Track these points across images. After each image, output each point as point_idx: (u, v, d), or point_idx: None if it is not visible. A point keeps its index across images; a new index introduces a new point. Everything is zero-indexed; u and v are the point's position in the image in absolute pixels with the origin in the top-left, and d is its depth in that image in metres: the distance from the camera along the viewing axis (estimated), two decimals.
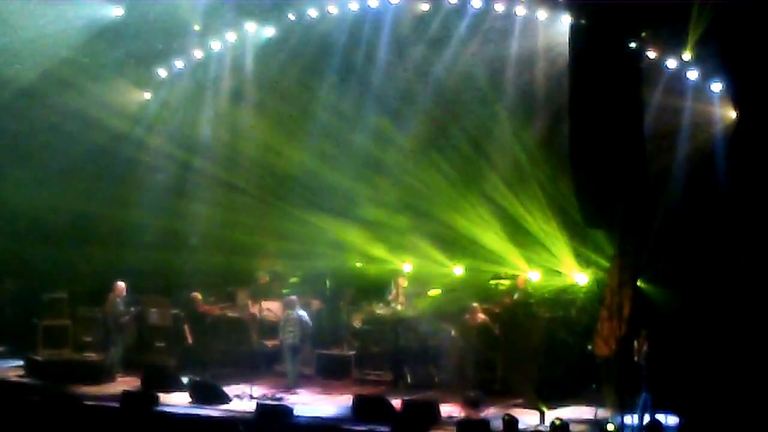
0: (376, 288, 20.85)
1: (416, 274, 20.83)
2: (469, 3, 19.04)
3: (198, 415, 16.53)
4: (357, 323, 20.10)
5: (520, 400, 17.16)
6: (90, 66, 21.35)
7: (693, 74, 17.16)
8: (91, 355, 20.44)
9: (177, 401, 17.26)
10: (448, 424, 15.65)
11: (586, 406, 16.38)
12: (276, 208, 22.07)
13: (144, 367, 19.05)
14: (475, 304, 18.35)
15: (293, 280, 21.31)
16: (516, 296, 18.57)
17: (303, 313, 18.93)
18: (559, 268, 19.12)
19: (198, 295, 19.67)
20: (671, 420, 15.21)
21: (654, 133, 16.12)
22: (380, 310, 20.09)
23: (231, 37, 21.43)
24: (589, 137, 14.92)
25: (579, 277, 18.78)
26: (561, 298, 18.90)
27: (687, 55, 17.07)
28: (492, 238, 19.87)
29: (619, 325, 15.48)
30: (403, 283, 20.42)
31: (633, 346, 15.63)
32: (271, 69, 21.57)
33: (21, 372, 19.48)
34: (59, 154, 22.03)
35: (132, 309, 19.65)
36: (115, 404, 16.74)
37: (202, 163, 22.42)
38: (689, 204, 16.73)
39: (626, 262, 15.58)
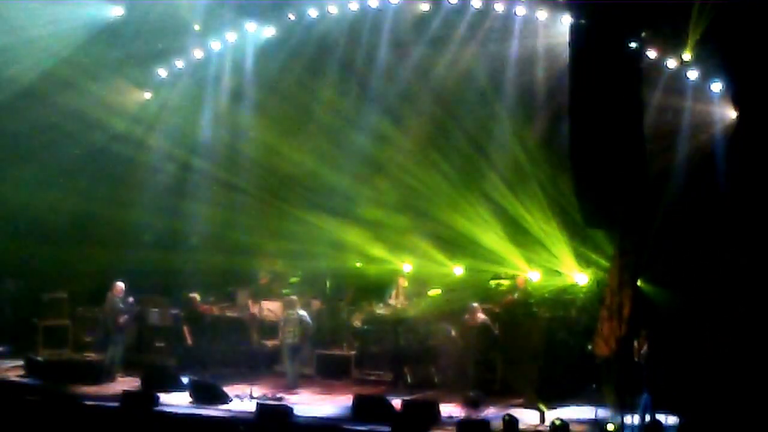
0: (376, 288, 20.86)
1: (416, 274, 20.84)
2: (469, 3, 19.04)
3: (198, 415, 16.53)
4: (357, 323, 20.10)
5: (520, 400, 17.17)
6: (90, 66, 21.34)
7: (693, 74, 17.18)
8: (91, 355, 20.42)
9: (177, 401, 17.25)
10: (448, 424, 15.65)
11: (586, 406, 16.37)
12: (276, 208, 22.08)
13: (144, 367, 19.06)
14: (475, 304, 18.35)
15: (293, 280, 21.34)
16: (516, 296, 18.56)
17: (303, 313, 18.94)
18: (559, 268, 19.13)
19: (196, 296, 19.68)
20: (671, 420, 15.21)
21: (654, 133, 16.11)
22: (380, 310, 20.09)
23: (231, 37, 21.43)
24: (589, 137, 14.90)
25: (579, 277, 18.79)
26: (561, 298, 18.91)
27: (687, 55, 17.09)
28: (492, 238, 19.88)
29: (619, 325, 15.47)
30: (403, 283, 20.43)
31: (633, 346, 15.63)
32: (271, 69, 21.55)
33: (21, 372, 19.47)
34: (59, 154, 22.04)
35: (131, 308, 19.61)
36: (115, 404, 16.73)
37: (202, 163, 22.43)
38: (689, 204, 16.74)
39: (626, 262, 15.57)
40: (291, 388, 18.39)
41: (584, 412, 16.24)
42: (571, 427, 14.91)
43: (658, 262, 16.47)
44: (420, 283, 20.57)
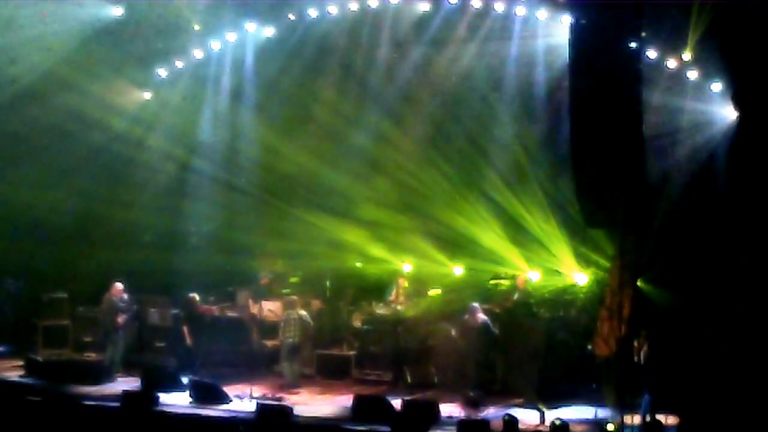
0: (376, 288, 20.86)
1: (416, 274, 20.84)
2: (469, 3, 19.04)
3: (198, 415, 16.53)
4: (357, 323, 20.10)
5: (520, 400, 17.17)
6: (90, 66, 21.33)
7: (693, 74, 17.18)
8: (91, 355, 20.46)
9: (177, 401, 17.26)
10: (448, 424, 15.64)
11: (586, 406, 16.38)
12: (276, 208, 22.08)
13: (144, 367, 19.06)
14: (475, 304, 18.34)
15: (293, 280, 21.34)
16: (516, 296, 18.56)
17: (304, 313, 18.95)
18: (559, 268, 19.12)
19: (196, 296, 19.66)
20: (671, 420, 15.21)
21: (654, 133, 16.11)
22: (380, 310, 20.09)
23: (231, 37, 21.42)
24: (589, 137, 14.89)
25: (579, 277, 18.78)
26: (561, 298, 18.91)
27: (687, 55, 17.09)
28: (492, 237, 19.88)
29: (619, 325, 15.47)
30: (403, 283, 20.43)
31: (633, 346, 15.63)
32: (271, 69, 21.55)
33: (21, 372, 19.47)
34: (59, 154, 22.04)
35: (130, 308, 19.59)
36: (115, 404, 16.73)
37: (202, 163, 22.43)
38: (689, 204, 16.74)
39: (626, 262, 15.57)
40: (290, 387, 18.38)
41: (584, 412, 16.24)
42: (571, 427, 14.91)
43: (658, 262, 16.47)
44: (420, 283, 20.57)
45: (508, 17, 18.91)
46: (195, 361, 19.12)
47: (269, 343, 19.87)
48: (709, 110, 17.19)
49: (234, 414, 16.51)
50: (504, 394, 17.73)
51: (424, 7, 19.74)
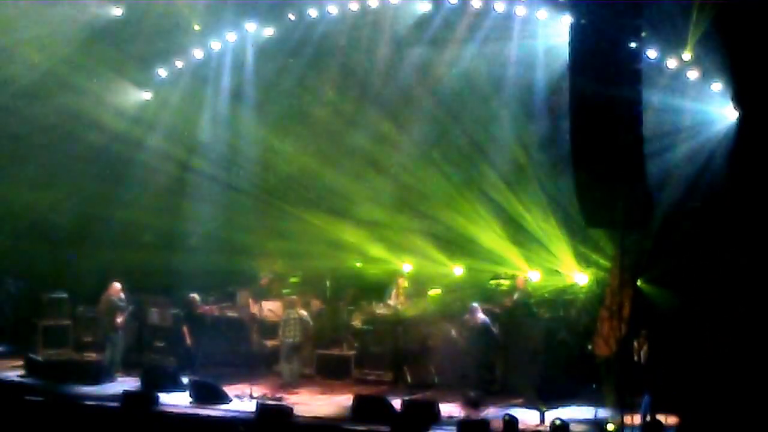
0: (376, 288, 20.86)
1: (416, 274, 20.84)
2: (469, 3, 19.04)
3: (198, 415, 16.54)
4: (357, 323, 20.09)
5: (520, 400, 17.17)
6: (90, 66, 21.34)
7: (693, 74, 17.16)
8: (91, 355, 20.46)
9: (177, 401, 17.26)
10: (448, 424, 15.65)
11: (586, 406, 16.38)
12: (276, 208, 22.09)
13: (144, 367, 19.07)
14: (475, 304, 18.34)
15: (293, 280, 21.34)
16: (516, 296, 18.57)
17: (304, 313, 18.95)
18: (559, 268, 19.12)
19: (196, 297, 19.66)
20: (671, 420, 15.21)
21: (654, 133, 16.11)
22: (380, 310, 20.08)
23: (231, 37, 21.42)
24: (589, 137, 14.89)
25: (579, 277, 18.78)
26: (561, 298, 18.91)
27: (687, 55, 17.08)
28: (492, 237, 19.88)
29: (619, 325, 15.47)
30: (403, 283, 20.42)
31: (633, 346, 15.62)
32: (271, 69, 21.56)
33: (21, 372, 19.47)
34: (59, 154, 22.06)
35: (127, 307, 19.57)
36: (115, 404, 16.74)
37: (202, 163, 22.43)
38: (689, 204, 16.73)
39: (626, 262, 15.57)
40: (290, 387, 18.39)
41: (584, 412, 16.24)
42: (571, 427, 14.92)
43: (658, 262, 16.47)
44: (420, 283, 20.56)
45: (508, 17, 18.89)
46: (195, 361, 19.14)
47: (269, 343, 19.88)
48: (709, 110, 17.18)
49: (234, 414, 16.52)
50: (504, 394, 17.73)
51: (424, 7, 19.73)
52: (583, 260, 18.69)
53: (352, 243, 21.25)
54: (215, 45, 21.59)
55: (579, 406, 16.56)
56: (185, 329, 19.38)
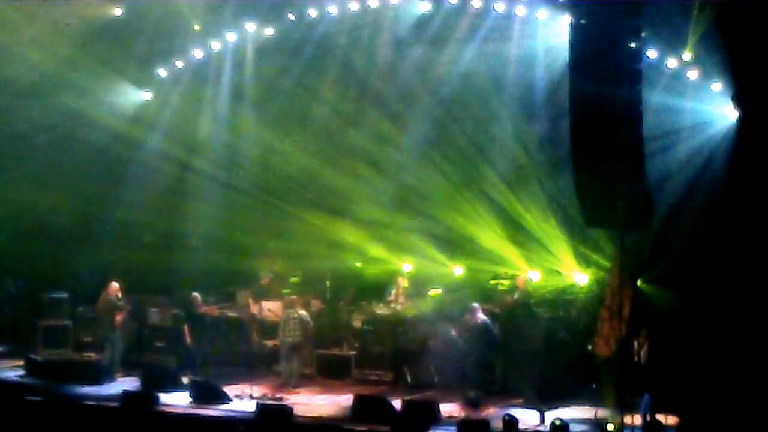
0: (376, 288, 20.87)
1: (416, 274, 20.84)
2: (469, 3, 19.03)
3: (198, 415, 16.54)
4: (357, 323, 20.09)
5: (520, 400, 17.18)
6: (90, 66, 21.34)
7: (693, 74, 17.17)
8: (91, 355, 20.46)
9: (177, 401, 17.26)
10: (448, 424, 15.65)
11: (586, 406, 16.38)
12: (276, 208, 22.08)
13: (144, 367, 19.08)
14: (475, 304, 18.34)
15: (293, 280, 21.35)
16: (516, 296, 18.56)
17: (304, 313, 18.95)
18: (559, 268, 19.11)
19: (197, 296, 19.66)
20: (671, 420, 15.20)
21: (654, 133, 16.11)
22: (380, 310, 20.09)
23: (231, 37, 21.42)
24: (589, 137, 14.89)
25: (579, 277, 18.77)
26: (561, 298, 18.91)
27: (687, 55, 17.08)
28: (492, 237, 19.87)
29: (619, 325, 15.45)
30: (403, 283, 20.43)
31: (633, 346, 15.62)
32: (271, 69, 21.56)
33: (21, 372, 19.47)
34: (59, 154, 22.05)
35: (124, 306, 19.54)
36: (115, 404, 16.74)
37: (202, 163, 22.42)
38: (689, 204, 16.73)
39: (626, 261, 15.57)
40: (290, 387, 18.39)
41: (584, 412, 16.24)
42: (571, 427, 14.91)
43: (658, 262, 16.47)
44: (420, 283, 20.56)
45: (508, 17, 18.89)
46: (195, 361, 19.12)
47: (269, 343, 19.88)
48: (709, 110, 17.18)
49: (234, 414, 16.52)
50: (504, 394, 17.74)
51: (424, 7, 19.73)
52: (583, 260, 18.68)
53: (352, 243, 21.25)
54: (215, 45, 21.59)
55: (579, 406, 16.57)
56: (185, 329, 19.38)
